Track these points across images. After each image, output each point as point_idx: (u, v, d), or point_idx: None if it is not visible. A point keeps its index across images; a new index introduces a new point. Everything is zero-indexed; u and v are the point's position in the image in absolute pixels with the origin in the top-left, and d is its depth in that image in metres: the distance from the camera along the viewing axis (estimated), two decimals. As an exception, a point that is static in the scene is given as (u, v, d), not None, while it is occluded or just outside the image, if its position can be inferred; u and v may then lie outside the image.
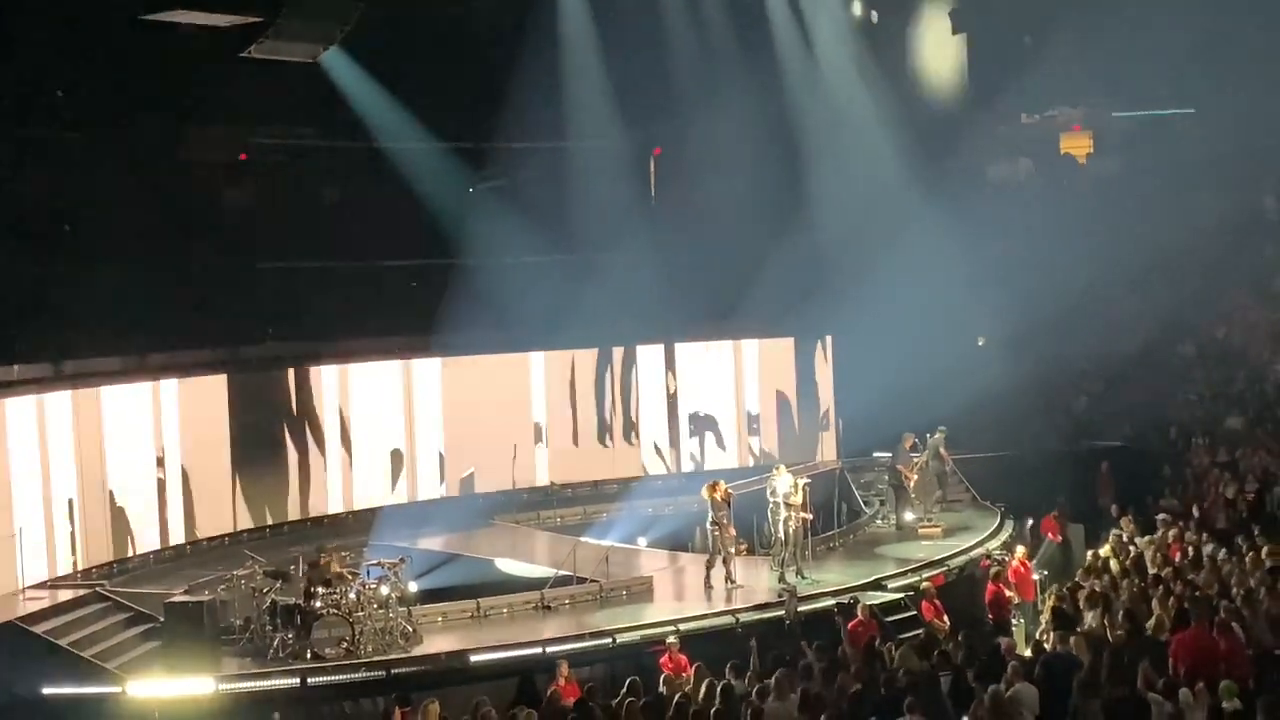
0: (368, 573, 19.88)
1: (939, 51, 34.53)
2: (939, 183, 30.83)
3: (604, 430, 29.54)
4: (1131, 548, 22.38)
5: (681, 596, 22.01)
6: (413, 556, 21.17)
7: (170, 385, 24.49)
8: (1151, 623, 17.16)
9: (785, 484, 22.38)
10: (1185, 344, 34.28)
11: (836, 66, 31.71)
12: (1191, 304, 34.05)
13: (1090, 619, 18.00)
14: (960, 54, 33.98)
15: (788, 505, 22.20)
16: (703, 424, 29.88)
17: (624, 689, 15.81)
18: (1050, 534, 26.04)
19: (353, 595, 19.17)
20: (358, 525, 25.74)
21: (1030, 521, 26.24)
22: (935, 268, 30.07)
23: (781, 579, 21.88)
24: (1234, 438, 29.05)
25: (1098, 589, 19.51)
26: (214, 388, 25.23)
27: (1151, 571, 20.36)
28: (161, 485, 24.21)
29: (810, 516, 22.63)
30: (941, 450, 27.07)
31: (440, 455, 27.83)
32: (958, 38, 32.81)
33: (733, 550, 22.33)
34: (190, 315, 25.21)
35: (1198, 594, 18.16)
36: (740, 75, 29.63)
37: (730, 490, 22.31)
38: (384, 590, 19.39)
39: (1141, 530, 23.91)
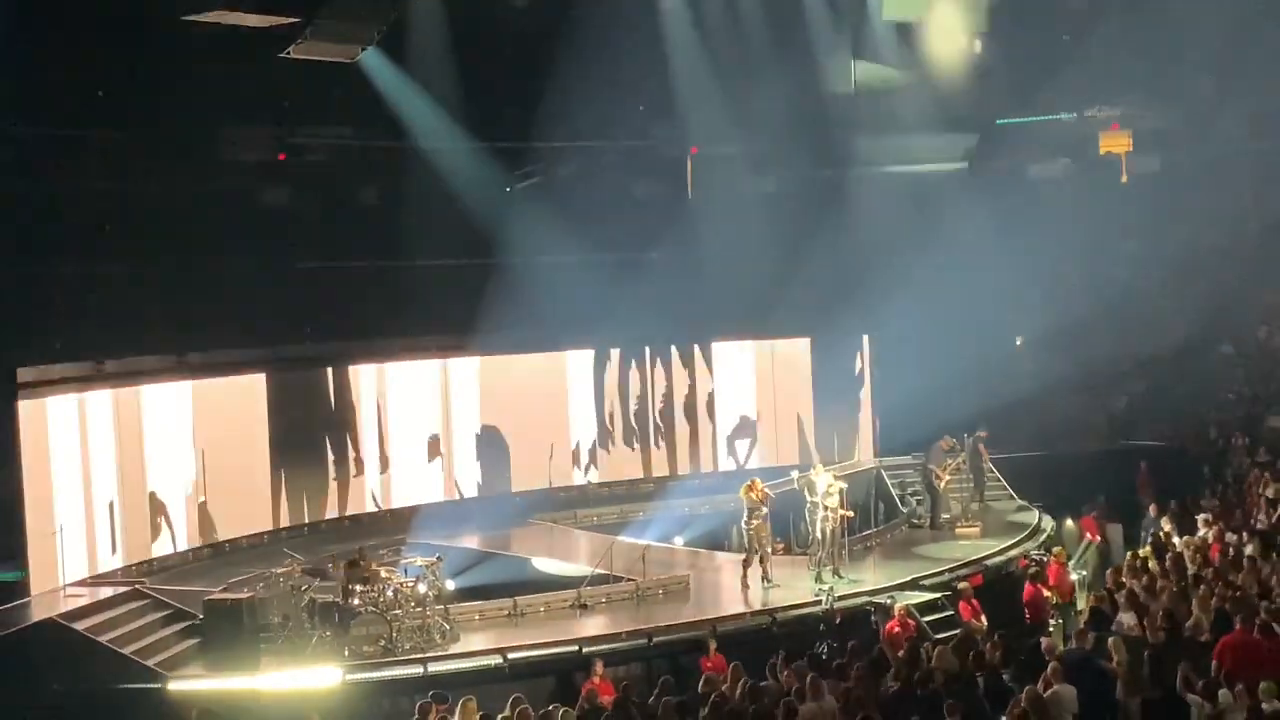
0: (405, 571, 19.92)
1: (973, 49, 34.42)
2: (977, 182, 30.71)
3: (641, 429, 29.54)
4: (1171, 548, 22.22)
5: (718, 596, 21.96)
6: (450, 555, 21.22)
7: (209, 384, 24.63)
8: (1190, 623, 17.05)
9: (822, 483, 22.32)
10: (1225, 344, 34.05)
11: (875, 66, 31.63)
12: (1231, 303, 33.81)
13: (1129, 619, 17.88)
14: (992, 52, 33.88)
15: (825, 505, 22.14)
16: (740, 423, 29.83)
17: (657, 688, 15.78)
18: (1089, 533, 25.93)
19: (390, 593, 19.19)
20: (395, 524, 25.80)
21: (1070, 522, 26.09)
22: (974, 267, 29.97)
23: (819, 578, 21.82)
24: (1274, 437, 28.83)
25: (1137, 589, 19.39)
26: (253, 387, 25.36)
27: (1191, 571, 20.20)
28: (201, 484, 24.34)
29: (850, 514, 22.55)
30: (981, 449, 26.96)
31: (477, 454, 27.87)
32: (989, 35, 32.70)
33: (769, 550, 22.30)
34: (229, 314, 25.32)
35: (1238, 595, 18.03)
36: (778, 74, 29.57)
37: (767, 490, 22.26)
38: (421, 588, 19.42)
39: (1181, 530, 23.75)
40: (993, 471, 27.69)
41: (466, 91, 27.62)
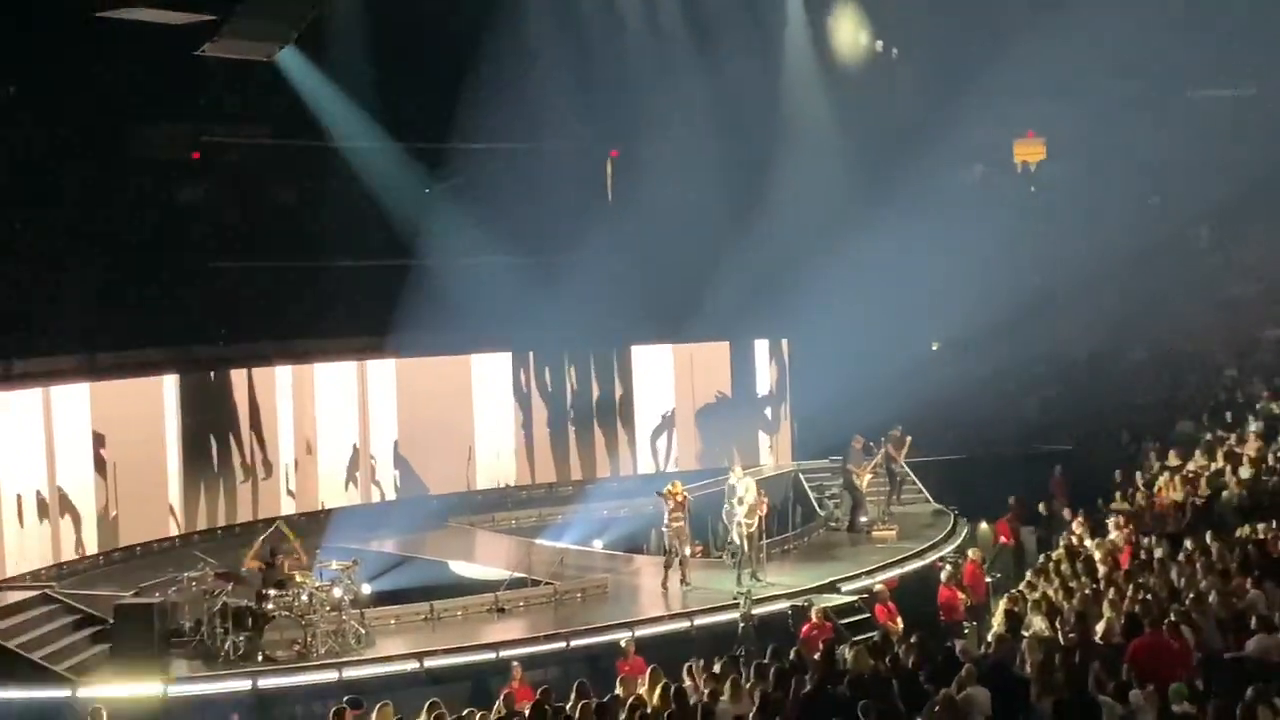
0: (320, 575, 19.76)
1: (887, 56, 34.81)
2: (894, 187, 30.93)
3: (559, 433, 29.47)
4: (1083, 551, 22.45)
5: (637, 599, 21.96)
6: (366, 558, 21.09)
7: (120, 385, 24.26)
8: (1101, 626, 17.23)
9: (741, 486, 22.37)
10: (1137, 349, 34.51)
11: (794, 73, 31.83)
12: (1143, 310, 34.28)
13: (1041, 622, 18.05)
14: (906, 57, 34.27)
15: (743, 508, 22.18)
16: (658, 427, 29.84)
17: (574, 691, 15.75)
18: (1003, 536, 26.13)
19: (305, 597, 19.05)
20: (311, 527, 25.55)
21: (984, 525, 26.31)
22: (891, 273, 30.21)
23: (738, 581, 21.87)
24: (1185, 442, 29.20)
25: (1050, 592, 19.58)
26: (166, 388, 25.01)
27: (1102, 574, 20.41)
28: (112, 486, 23.97)
29: (764, 512, 22.54)
30: (890, 450, 27.11)
31: (394, 457, 27.70)
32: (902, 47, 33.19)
33: (688, 552, 22.33)
34: (143, 315, 24.99)
35: (1148, 597, 18.25)
36: (698, 79, 29.67)
37: (687, 493, 22.29)
38: (337, 592, 19.27)
39: (1093, 533, 24.00)
40: (909, 475, 27.81)
41: (385, 92, 27.49)
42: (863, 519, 26.15)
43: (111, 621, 19.29)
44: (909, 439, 27.17)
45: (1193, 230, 35.86)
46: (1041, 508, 27.37)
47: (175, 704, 17.84)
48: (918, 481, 28.31)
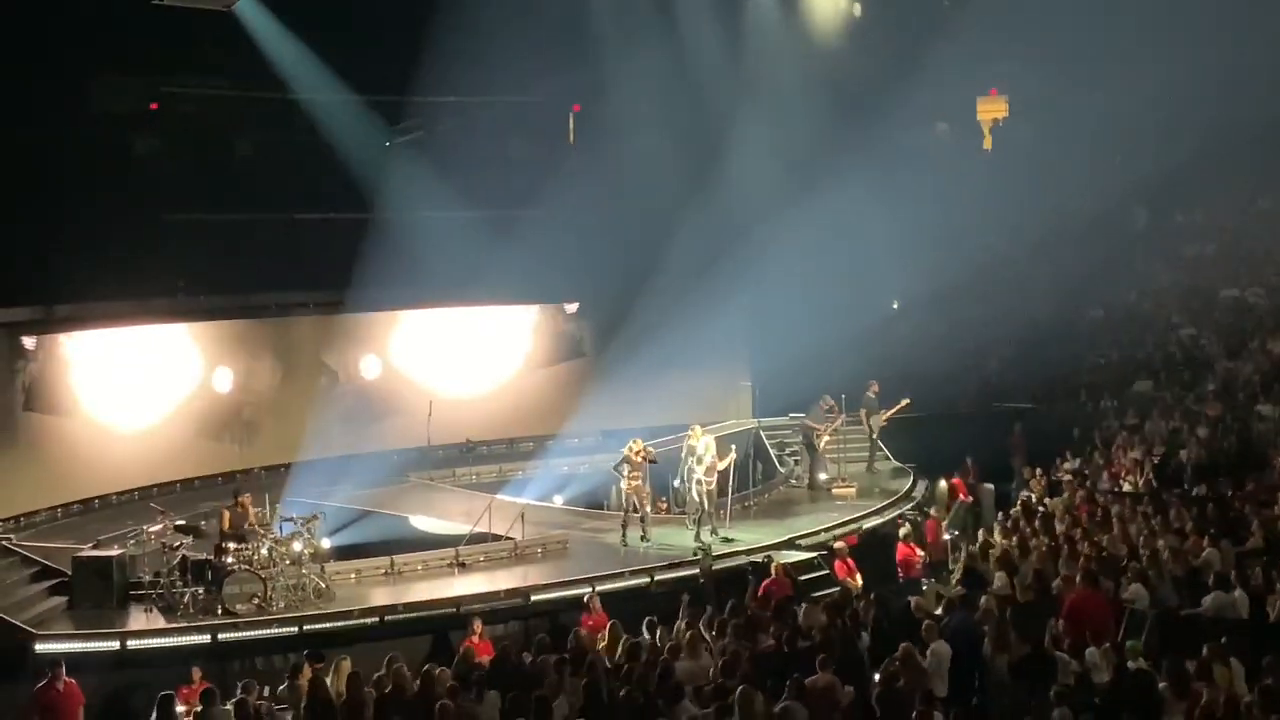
0: (281, 528, 19.74)
1: (850, 14, 34.73)
2: (856, 147, 30.89)
3: (519, 387, 29.47)
4: (1041, 508, 22.68)
5: (597, 555, 22.02)
6: (326, 513, 21.01)
7: (78, 337, 24.11)
8: (1058, 583, 17.42)
9: (701, 445, 22.43)
10: (1095, 308, 34.73)
11: (757, 29, 31.73)
12: (1101, 269, 34.47)
13: (999, 578, 18.24)
14: (871, 16, 34.20)
15: (702, 466, 22.24)
16: (620, 382, 29.82)
17: (534, 646, 15.82)
18: (961, 494, 26.33)
19: (265, 551, 19.05)
20: (270, 481, 25.52)
21: (943, 482, 26.50)
22: (852, 232, 30.19)
23: (697, 537, 21.97)
24: (1141, 401, 29.48)
25: (1008, 548, 19.79)
26: (122, 340, 24.87)
27: (1060, 531, 20.64)
28: (73, 437, 23.87)
29: (725, 466, 22.60)
30: (868, 411, 27.29)
31: (355, 410, 27.64)
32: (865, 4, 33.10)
33: (649, 509, 22.42)
34: (99, 267, 24.79)
35: (1104, 555, 18.48)
36: (660, 32, 29.52)
37: (650, 449, 22.33)
38: (297, 546, 19.29)
39: (1051, 491, 24.24)
40: (875, 431, 27.88)
41: (346, 43, 27.24)
42: (822, 476, 26.30)
43: (70, 574, 19.23)
44: (905, 401, 27.33)
45: (1151, 192, 36.03)
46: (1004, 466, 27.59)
47: (134, 656, 17.80)
48: (878, 440, 28.43)
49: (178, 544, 19.24)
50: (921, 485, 26.39)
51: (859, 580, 20.12)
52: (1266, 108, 33.00)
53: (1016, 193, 33.97)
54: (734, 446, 23.22)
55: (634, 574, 20.49)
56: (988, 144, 38.91)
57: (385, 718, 14.30)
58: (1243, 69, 32.71)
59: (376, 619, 18.75)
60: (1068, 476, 25.00)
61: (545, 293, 29.23)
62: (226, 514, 19.68)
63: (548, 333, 30.08)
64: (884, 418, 26.98)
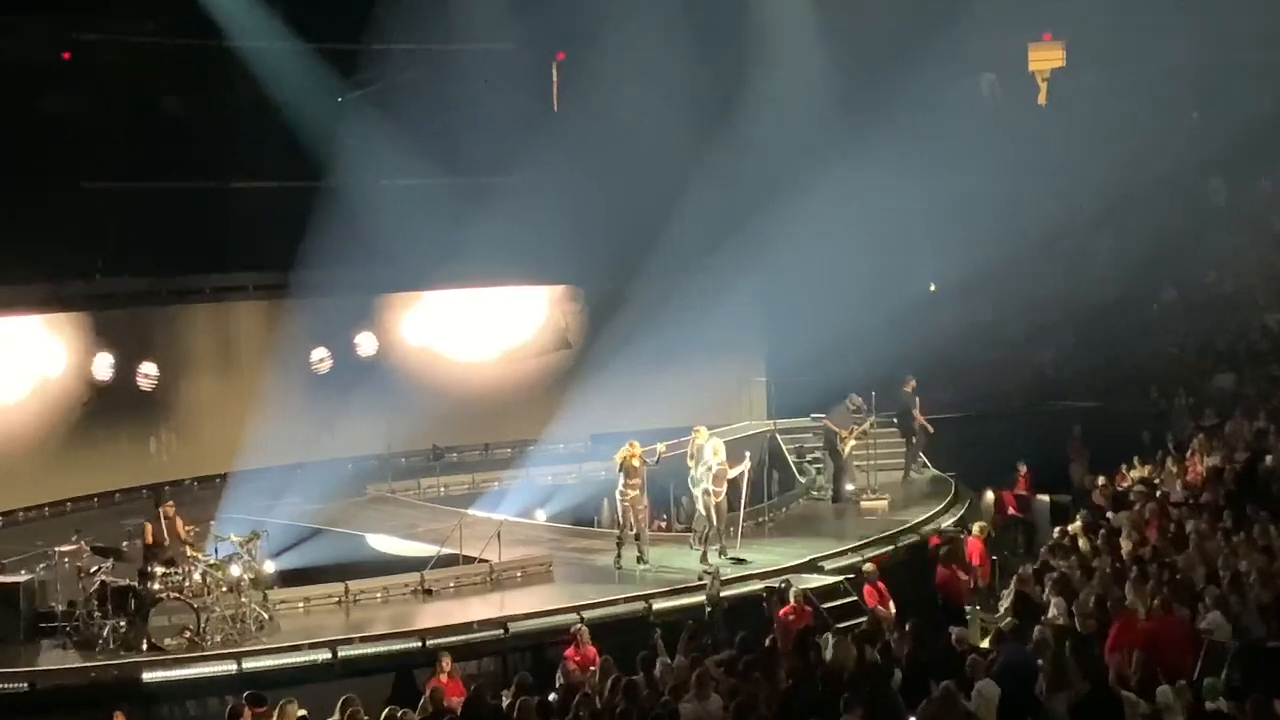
0: (216, 550, 19.67)
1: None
2: (886, 105, 30.80)
3: (498, 384, 29.41)
4: (1104, 524, 22.63)
5: (586, 579, 21.97)
6: (269, 531, 20.96)
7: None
8: (1124, 610, 17.36)
9: (708, 450, 22.34)
10: (1167, 289, 34.64)
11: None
12: (1175, 244, 34.37)
13: (1056, 606, 18.19)
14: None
15: (710, 474, 22.17)
16: (613, 378, 29.79)
17: (513, 686, 15.76)
18: (1010, 508, 26.28)
19: (198, 576, 18.97)
20: (205, 494, 25.52)
21: (989, 494, 26.46)
22: (882, 203, 30.16)
23: (703, 559, 21.92)
24: (1221, 398, 29.43)
25: (1066, 571, 19.73)
26: (33, 330, 24.81)
27: (1126, 551, 20.59)
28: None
29: (736, 475, 22.53)
30: (916, 412, 27.26)
31: (304, 412, 27.62)
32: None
33: (646, 526, 22.35)
34: (4, 244, 24.75)
35: (1179, 578, 18.42)
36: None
37: (645, 457, 22.26)
38: (235, 570, 19.21)
39: (1116, 504, 24.18)
40: (917, 434, 27.85)
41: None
42: (849, 487, 26.26)
43: (-30, 603, 19.21)
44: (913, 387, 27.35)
45: (1235, 152, 35.89)
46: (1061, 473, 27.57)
47: (45, 698, 17.73)
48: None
49: (95, 568, 19.17)
50: (964, 497, 26.32)
51: (891, 608, 20.10)
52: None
53: (1076, 155, 33.87)
54: (749, 453, 23.13)
55: (629, 601, 20.44)
56: (1042, 98, 38.75)
57: (338, 770, 14.24)
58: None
59: (328, 654, 18.68)
60: (1136, 486, 24.93)
61: (525, 274, 29.22)
62: (149, 527, 19.66)
63: (529, 321, 29.99)
64: (853, 433, 26.71)
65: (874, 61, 31.48)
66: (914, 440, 27.67)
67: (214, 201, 27.70)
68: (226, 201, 27.82)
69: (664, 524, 24.71)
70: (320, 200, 26.99)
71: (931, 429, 27.58)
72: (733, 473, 22.35)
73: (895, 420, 27.60)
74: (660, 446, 22.47)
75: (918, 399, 27.44)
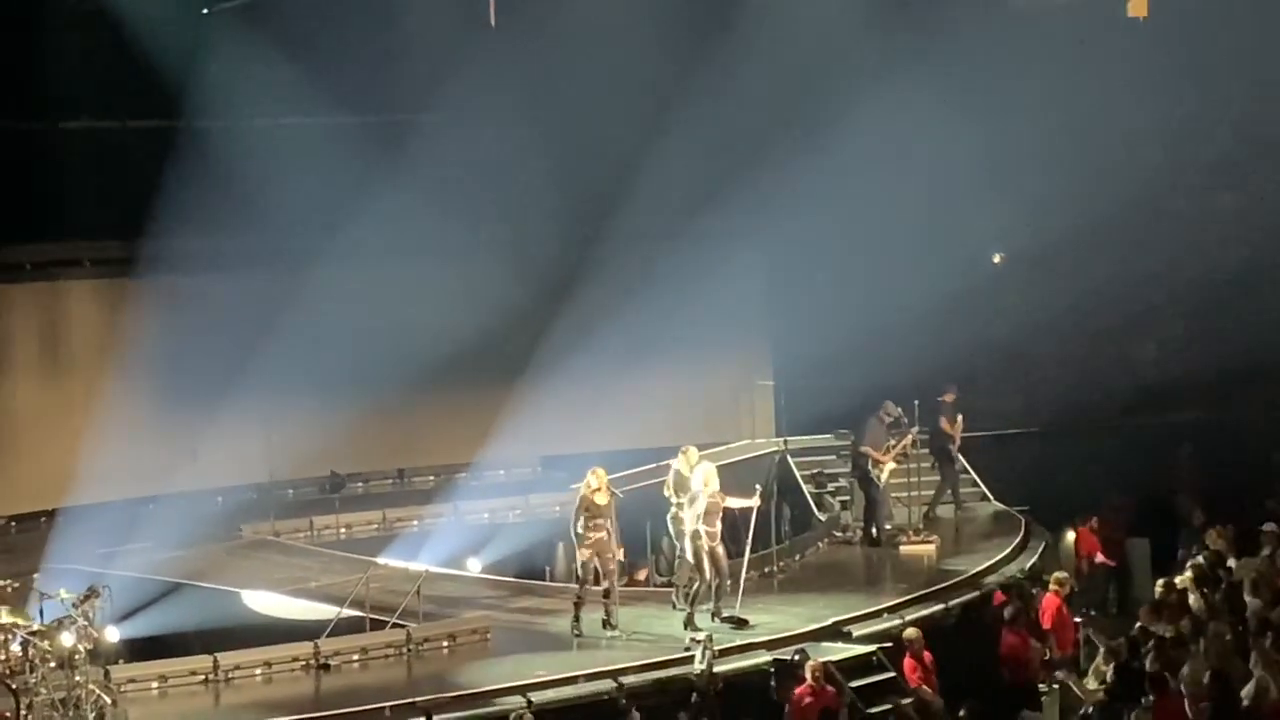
0: (41, 612, 19.63)
1: None
2: (930, 18, 30.87)
3: (418, 392, 29.42)
4: (1223, 576, 22.73)
5: (535, 648, 22.02)
6: (112, 586, 20.93)
7: None
8: (1250, 688, 17.47)
9: (699, 477, 22.36)
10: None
11: None
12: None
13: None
14: None
15: (697, 508, 22.19)
16: (570, 384, 29.85)
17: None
18: (1098, 554, 26.39)
19: (16, 647, 18.92)
20: (24, 538, 25.51)
21: (1070, 535, 26.56)
22: (928, 148, 30.19)
23: (689, 623, 21.96)
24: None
25: (1171, 636, 19.82)
26: None
27: (1254, 611, 20.69)
28: None
29: (743, 506, 22.59)
30: (946, 423, 27.30)
31: (158, 429, 27.62)
32: None
33: (615, 579, 22.38)
34: None
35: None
36: None
37: (613, 488, 22.29)
38: (66, 639, 19.15)
39: (1241, 548, 24.29)
40: (959, 458, 28.02)
41: None
42: (885, 526, 26.33)
43: None
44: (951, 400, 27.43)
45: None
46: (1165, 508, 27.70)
47: None
48: (970, 468, 28.51)
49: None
50: (1037, 539, 26.42)
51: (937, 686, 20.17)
52: None
53: (1183, 86, 33.98)
54: (758, 486, 23.13)
55: (592, 678, 20.46)
56: (1137, 8, 38.86)
57: None
58: None
59: (193, 752, 18.76)
60: (1268, 526, 25.02)
61: (449, 243, 29.13)
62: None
63: (456, 307, 29.98)
64: (891, 453, 26.81)
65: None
66: (952, 461, 27.69)
67: (35, 148, 27.63)
68: (52, 148, 27.76)
69: (643, 575, 24.74)
70: (178, 146, 27.00)
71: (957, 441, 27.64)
72: (734, 503, 22.35)
73: (928, 439, 27.56)
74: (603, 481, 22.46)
75: (959, 417, 27.41)
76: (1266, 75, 32.90)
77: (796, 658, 20.32)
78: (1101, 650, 21.45)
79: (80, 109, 27.69)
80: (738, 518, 22.67)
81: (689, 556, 22.36)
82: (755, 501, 22.66)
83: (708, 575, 22.20)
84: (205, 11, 29.11)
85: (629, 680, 20.37)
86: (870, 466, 26.47)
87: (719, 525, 22.30)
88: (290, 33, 28.29)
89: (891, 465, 26.56)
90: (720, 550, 22.38)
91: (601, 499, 21.96)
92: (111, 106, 27.98)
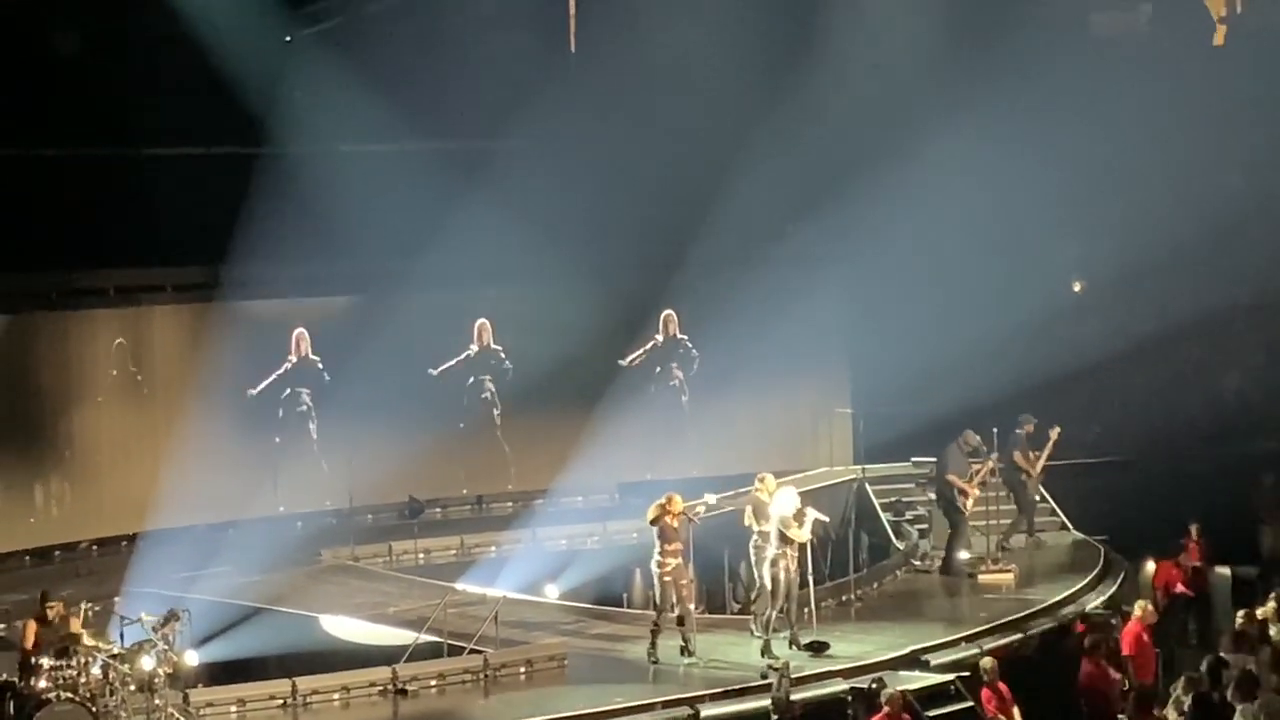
0: (121, 636, 19.71)
1: None
2: (1012, 44, 30.80)
3: (496, 420, 29.44)
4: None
5: (612, 677, 21.97)
6: (192, 610, 21.01)
7: None
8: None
9: (782, 505, 22.28)
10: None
11: None
12: None
13: (1242, 716, 18.13)
14: None
15: (783, 538, 22.14)
16: (650, 411, 29.83)
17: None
18: (1179, 584, 26.21)
19: (97, 670, 19.00)
20: (106, 562, 25.59)
21: (1150, 565, 26.40)
22: (1008, 175, 30.11)
23: (766, 650, 21.91)
24: None
25: (1255, 669, 19.66)
26: None
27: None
28: None
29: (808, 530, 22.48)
30: (1020, 455, 27.17)
31: (238, 455, 27.72)
32: None
33: (692, 606, 22.33)
34: None
35: None
36: None
37: (691, 513, 22.22)
38: (147, 662, 19.23)
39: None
40: (1041, 491, 27.87)
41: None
42: (963, 555, 26.24)
43: None
44: (1054, 433, 27.21)
45: None
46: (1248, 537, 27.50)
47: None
48: (1050, 499, 28.36)
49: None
50: (1117, 569, 26.27)
51: (1018, 716, 20.04)
52: None
53: (1266, 109, 33.81)
54: (827, 519, 23.05)
55: (669, 706, 20.44)
56: (1219, 37, 38.70)
57: None
58: None
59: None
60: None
61: (529, 268, 29.16)
62: (32, 629, 19.54)
63: (536, 332, 29.98)
64: (1037, 466, 26.78)
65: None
66: (1026, 491, 27.55)
67: (119, 174, 27.76)
68: (136, 174, 27.89)
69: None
70: (260, 172, 27.10)
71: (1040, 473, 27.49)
72: (802, 534, 22.23)
73: (1003, 470, 27.38)
74: (709, 498, 22.47)
75: (1047, 446, 27.22)
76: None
77: (874, 686, 20.26)
78: (1181, 680, 21.28)
79: (164, 135, 27.78)
80: (815, 547, 22.61)
81: (766, 582, 22.33)
82: (814, 514, 22.51)
83: (784, 602, 22.18)
84: (288, 39, 29.35)
85: (706, 710, 20.39)
86: (956, 496, 26.41)
87: (796, 551, 22.26)
88: (371, 59, 28.48)
89: (977, 493, 26.50)
90: (796, 579, 22.32)
91: (675, 524, 21.94)
92: (195, 133, 28.08)
